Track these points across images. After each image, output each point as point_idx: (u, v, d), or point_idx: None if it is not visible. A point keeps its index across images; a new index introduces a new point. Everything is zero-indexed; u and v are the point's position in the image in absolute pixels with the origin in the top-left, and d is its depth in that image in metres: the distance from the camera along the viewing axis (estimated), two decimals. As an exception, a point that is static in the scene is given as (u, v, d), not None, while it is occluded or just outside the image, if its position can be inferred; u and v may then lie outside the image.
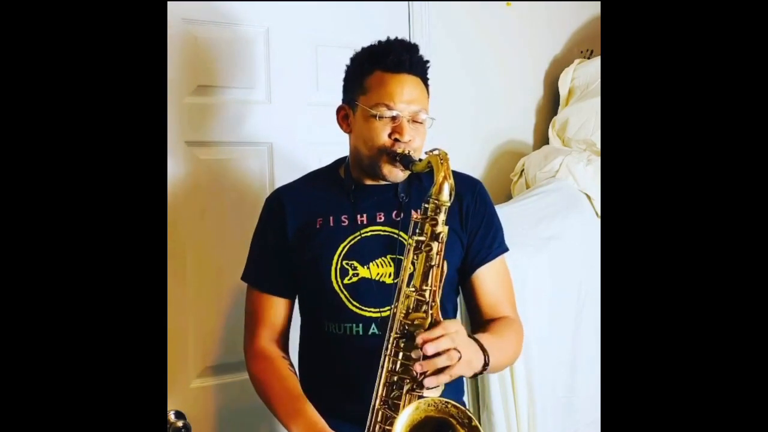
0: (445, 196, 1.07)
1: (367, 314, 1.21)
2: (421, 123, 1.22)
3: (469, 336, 1.10)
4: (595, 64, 2.19)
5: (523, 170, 2.13)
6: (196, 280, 1.66)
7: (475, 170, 2.17)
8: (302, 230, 1.25)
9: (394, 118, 1.19)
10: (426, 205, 1.09)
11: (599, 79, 2.12)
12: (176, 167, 1.63)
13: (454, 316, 1.32)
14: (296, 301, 1.33)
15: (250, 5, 1.72)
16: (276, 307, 1.28)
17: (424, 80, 1.25)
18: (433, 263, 1.07)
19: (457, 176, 1.22)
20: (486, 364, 1.09)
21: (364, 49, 1.26)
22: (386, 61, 1.20)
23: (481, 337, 1.12)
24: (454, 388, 1.28)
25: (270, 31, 1.75)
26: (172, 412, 1.22)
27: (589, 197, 1.93)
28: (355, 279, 1.21)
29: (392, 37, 1.25)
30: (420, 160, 1.15)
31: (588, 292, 1.80)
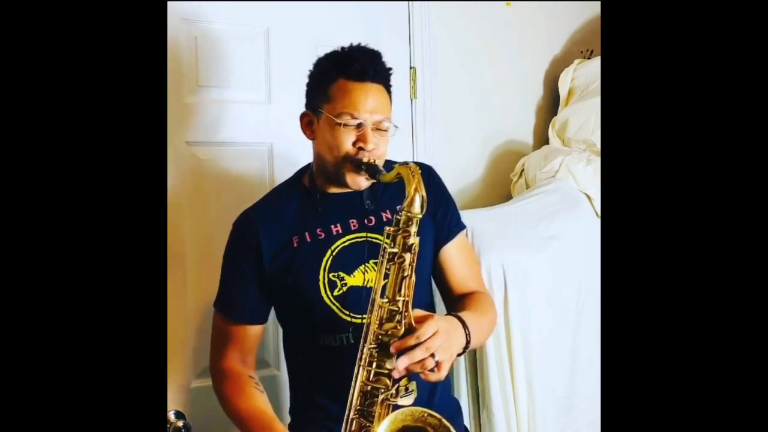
0: (417, 208, 1.08)
1: (359, 321, 1.21)
2: (384, 131, 1.22)
3: (450, 314, 1.13)
4: (595, 64, 2.18)
5: (523, 170, 2.13)
6: (196, 281, 1.66)
7: (475, 170, 2.17)
8: (280, 253, 1.25)
9: (358, 126, 1.19)
10: (398, 216, 1.09)
11: (599, 79, 2.12)
12: (176, 167, 1.63)
13: (431, 302, 1.34)
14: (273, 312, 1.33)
15: (250, 5, 1.72)
16: (246, 333, 1.29)
17: (387, 88, 1.25)
18: (405, 274, 1.08)
19: None
20: (468, 343, 1.11)
21: (327, 56, 1.25)
22: (350, 70, 1.19)
23: (463, 315, 1.14)
24: (442, 383, 1.29)
25: (270, 31, 1.75)
26: (172, 412, 1.21)
27: (589, 197, 1.93)
28: (344, 289, 1.22)
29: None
30: (385, 170, 1.15)
31: (588, 292, 1.79)
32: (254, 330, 1.29)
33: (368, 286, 1.22)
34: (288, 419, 1.36)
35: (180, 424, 1.19)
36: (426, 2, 2.00)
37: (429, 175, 1.32)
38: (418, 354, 1.01)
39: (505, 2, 2.17)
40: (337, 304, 1.22)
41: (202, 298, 1.66)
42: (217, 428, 1.68)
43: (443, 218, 1.31)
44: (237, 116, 1.71)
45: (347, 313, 1.21)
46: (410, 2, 1.97)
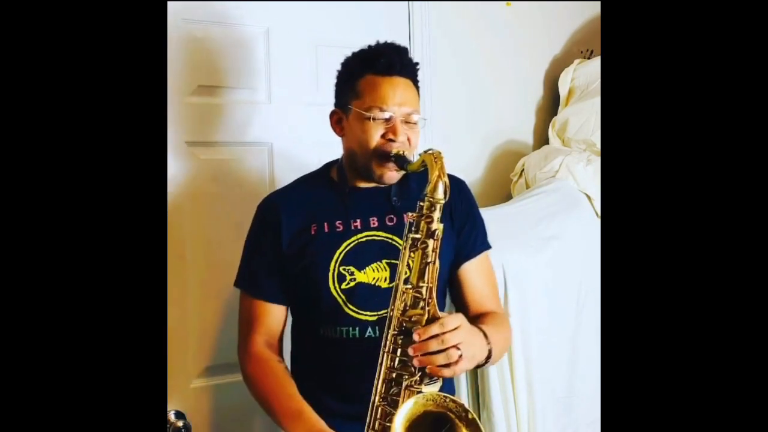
0: (440, 193, 1.08)
1: (364, 318, 1.22)
2: (413, 124, 1.23)
3: (473, 325, 1.12)
4: (595, 64, 2.18)
5: (523, 170, 2.13)
6: (196, 280, 1.66)
7: (475, 170, 2.17)
8: (297, 237, 1.26)
9: (387, 120, 1.20)
10: (421, 203, 1.10)
11: (599, 79, 2.12)
12: (176, 167, 1.63)
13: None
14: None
15: (250, 5, 1.72)
16: (271, 314, 1.28)
17: (415, 82, 1.26)
18: (429, 260, 1.08)
19: None
20: (489, 355, 1.11)
21: (354, 54, 1.27)
22: (377, 65, 1.21)
23: (484, 327, 1.14)
24: (447, 387, 1.29)
25: (270, 31, 1.75)
26: (172, 412, 1.22)
27: (589, 197, 1.93)
28: (352, 284, 1.22)
29: (384, 40, 1.27)
30: (414, 160, 1.16)
31: (588, 292, 1.79)
32: (279, 311, 1.29)
33: (377, 284, 1.22)
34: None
35: (180, 424, 1.19)
36: (426, 2, 2.00)
37: (460, 190, 1.34)
38: (433, 345, 1.01)
39: (504, 2, 2.17)
40: (342, 297, 1.22)
41: (202, 298, 1.66)
42: (217, 428, 1.68)
43: (469, 234, 1.31)
44: (237, 116, 1.71)
45: (352, 307, 1.22)
46: (410, 2, 1.97)
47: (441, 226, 1.09)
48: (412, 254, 1.09)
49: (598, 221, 1.87)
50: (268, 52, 1.75)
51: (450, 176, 1.34)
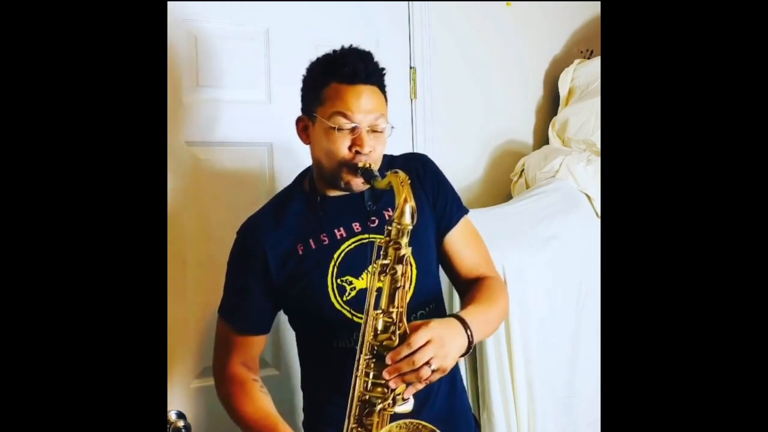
0: (407, 219, 1.07)
1: None
2: (380, 132, 1.21)
3: (451, 315, 1.13)
4: (595, 64, 2.18)
5: (523, 170, 2.13)
6: (196, 280, 1.66)
7: (475, 170, 2.17)
8: (286, 261, 1.24)
9: (353, 130, 1.18)
10: (389, 227, 1.09)
11: (599, 79, 2.12)
12: (176, 167, 1.63)
13: (440, 290, 1.34)
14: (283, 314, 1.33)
15: (250, 5, 1.71)
16: (252, 342, 1.28)
17: (382, 88, 1.24)
18: (398, 285, 1.08)
19: (402, 157, 1.30)
20: (470, 343, 1.11)
21: (318, 60, 1.24)
22: (342, 73, 1.18)
23: (466, 312, 1.14)
24: (458, 391, 1.31)
25: (270, 31, 1.75)
26: (172, 412, 1.22)
27: (589, 197, 1.93)
28: (353, 293, 1.21)
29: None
30: (382, 175, 1.14)
31: (588, 292, 1.80)
32: (259, 340, 1.29)
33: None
34: (289, 418, 1.36)
35: (180, 424, 1.19)
36: (426, 2, 2.00)
37: (424, 164, 1.31)
38: (404, 366, 1.02)
39: (505, 2, 2.17)
40: (347, 308, 1.21)
41: (202, 298, 1.66)
42: (217, 428, 1.68)
43: (443, 206, 1.29)
44: (237, 116, 1.71)
45: (360, 315, 1.19)
46: (410, 2, 1.97)
47: (409, 250, 1.09)
48: (381, 280, 1.09)
49: (598, 221, 1.87)
50: (268, 52, 1.75)
51: (411, 154, 1.34)
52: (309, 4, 1.79)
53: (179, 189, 1.63)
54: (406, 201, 1.07)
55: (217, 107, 1.69)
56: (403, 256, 1.08)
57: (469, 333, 1.10)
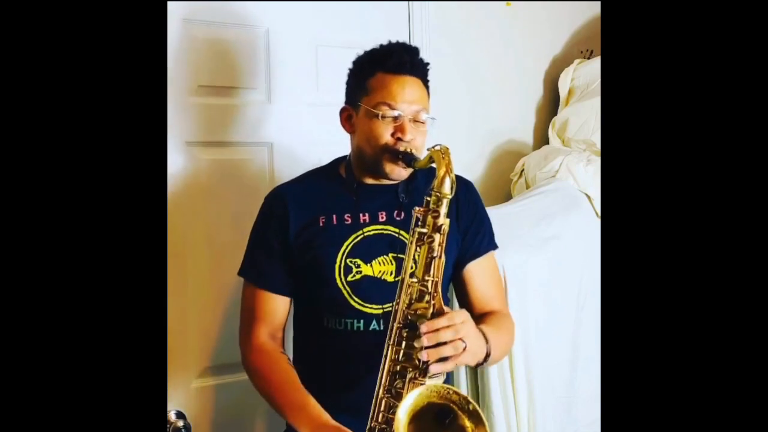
0: (447, 188, 1.09)
1: (369, 311, 1.23)
2: (422, 123, 1.25)
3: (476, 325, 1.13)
4: (595, 64, 2.18)
5: (523, 170, 2.13)
6: (196, 280, 1.66)
7: (475, 170, 2.17)
8: (305, 229, 1.27)
9: (396, 118, 1.21)
10: (428, 198, 1.11)
11: (599, 79, 2.12)
12: (176, 167, 1.63)
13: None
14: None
15: (250, 5, 1.72)
16: (275, 304, 1.29)
17: (425, 82, 1.28)
18: (434, 254, 1.09)
19: None
20: (488, 355, 1.12)
21: (366, 52, 1.29)
22: (388, 63, 1.23)
23: (484, 328, 1.15)
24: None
25: (270, 31, 1.75)
26: (172, 412, 1.22)
27: (589, 197, 1.93)
28: (358, 276, 1.23)
29: (393, 40, 1.28)
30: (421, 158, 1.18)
31: (588, 292, 1.80)
32: (282, 302, 1.29)
33: (383, 278, 1.24)
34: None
35: (180, 424, 1.19)
36: (426, 2, 2.00)
37: (468, 190, 1.35)
38: (446, 334, 1.02)
39: (505, 2, 2.17)
40: (348, 288, 1.23)
41: (202, 298, 1.66)
42: (218, 428, 1.68)
43: (475, 234, 1.32)
44: (237, 116, 1.71)
45: (357, 300, 1.23)
46: (410, 2, 1.97)
47: (447, 221, 1.10)
48: (418, 248, 1.10)
49: (598, 221, 1.88)
50: (268, 52, 1.75)
51: (458, 177, 1.35)
52: (309, 4, 1.79)
53: (179, 189, 1.63)
54: (446, 172, 1.09)
55: (217, 107, 1.69)
56: (441, 225, 1.09)
57: (488, 344, 1.12)
